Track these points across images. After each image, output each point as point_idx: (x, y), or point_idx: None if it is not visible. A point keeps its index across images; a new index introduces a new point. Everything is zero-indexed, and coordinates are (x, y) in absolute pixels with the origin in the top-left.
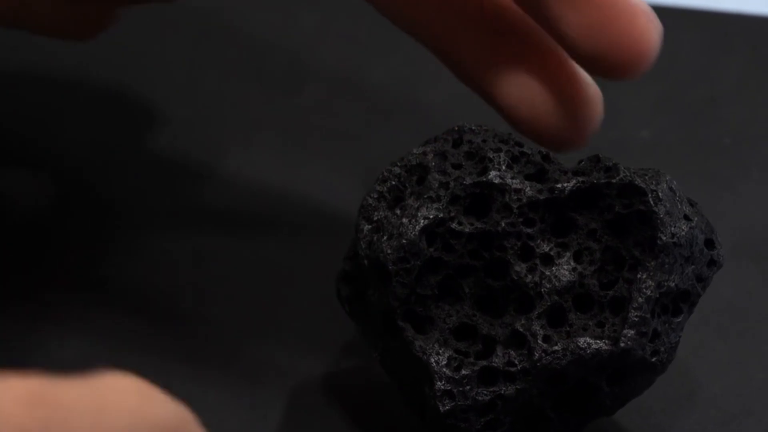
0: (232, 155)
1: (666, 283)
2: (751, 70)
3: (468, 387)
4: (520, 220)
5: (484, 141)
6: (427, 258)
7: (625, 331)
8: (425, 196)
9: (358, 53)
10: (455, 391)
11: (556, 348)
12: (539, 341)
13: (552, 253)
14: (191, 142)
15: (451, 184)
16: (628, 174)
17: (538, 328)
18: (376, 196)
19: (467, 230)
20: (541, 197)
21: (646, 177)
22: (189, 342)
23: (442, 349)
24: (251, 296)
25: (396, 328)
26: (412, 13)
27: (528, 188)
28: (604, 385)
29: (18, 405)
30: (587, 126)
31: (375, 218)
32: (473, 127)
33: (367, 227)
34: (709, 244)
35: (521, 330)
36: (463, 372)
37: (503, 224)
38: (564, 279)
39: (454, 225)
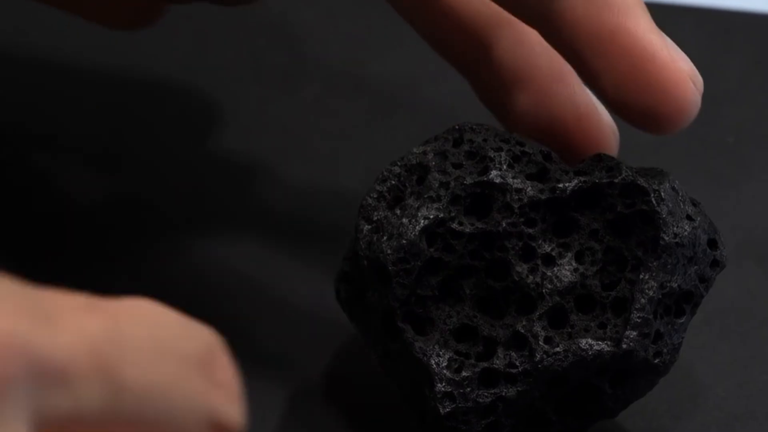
0: (231, 155)
1: (668, 284)
2: (754, 68)
3: (469, 389)
4: (522, 220)
5: (484, 140)
6: (428, 258)
7: (627, 333)
8: (425, 196)
9: (358, 51)
10: (456, 393)
11: (557, 349)
12: (541, 342)
13: (553, 253)
14: (191, 141)
15: (452, 183)
16: (630, 173)
17: (539, 329)
18: (375, 195)
19: (468, 230)
20: (543, 197)
21: (649, 176)
22: None
23: (443, 350)
24: (250, 296)
25: (396, 330)
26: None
27: (529, 188)
28: (606, 387)
29: (78, 310)
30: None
31: (374, 218)
32: (474, 126)
33: (366, 227)
34: (712, 244)
35: (522, 331)
36: (464, 374)
37: (504, 224)
38: (565, 279)
39: (454, 225)
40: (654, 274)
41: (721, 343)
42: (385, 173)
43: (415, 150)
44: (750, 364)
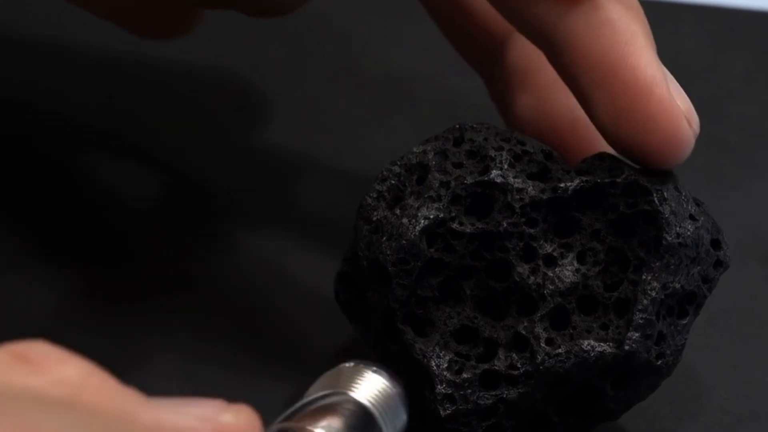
0: (230, 154)
1: (671, 285)
2: (758, 67)
3: (469, 391)
4: (523, 220)
5: (485, 139)
6: (428, 259)
7: (629, 334)
8: (425, 196)
9: (358, 49)
10: (456, 394)
11: (559, 351)
12: (542, 344)
13: (555, 253)
14: (190, 141)
15: (452, 183)
16: (633, 173)
17: (540, 330)
18: (375, 195)
19: (468, 230)
20: (544, 197)
21: (651, 176)
22: (183, 342)
23: (443, 351)
24: (249, 297)
25: (396, 331)
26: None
27: (530, 187)
28: (608, 389)
29: None
30: None
31: (374, 218)
32: (475, 126)
33: (366, 227)
34: (716, 244)
35: (524, 332)
36: (465, 375)
37: (505, 224)
38: (567, 280)
39: (455, 225)
40: (656, 275)
41: (725, 344)
42: (384, 173)
43: (415, 149)
44: (753, 365)
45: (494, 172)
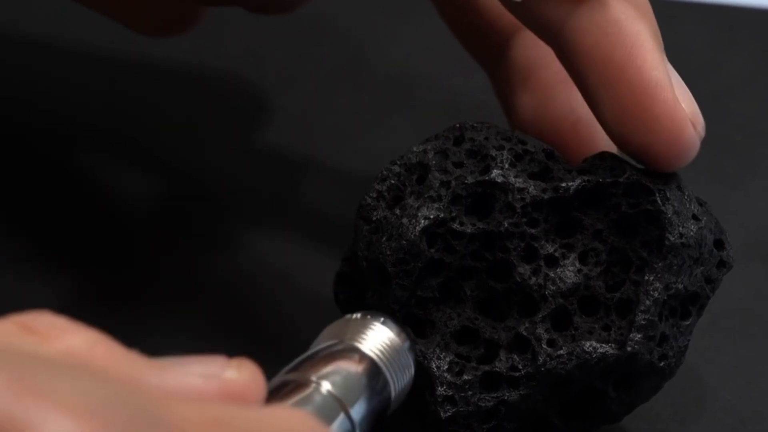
0: (229, 154)
1: (674, 285)
2: (759, 65)
3: (470, 392)
4: (524, 220)
5: (486, 139)
6: (428, 259)
7: (631, 335)
8: (426, 196)
9: (358, 49)
10: (457, 396)
11: (560, 352)
12: (543, 345)
13: (556, 254)
14: (188, 141)
15: (453, 183)
16: (635, 173)
17: (542, 331)
18: (375, 195)
19: (469, 231)
20: (545, 196)
21: (654, 176)
22: (183, 342)
23: (443, 353)
24: (249, 297)
25: None
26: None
27: (531, 187)
28: (610, 391)
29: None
30: None
31: (374, 218)
32: (475, 125)
33: (365, 228)
34: (719, 244)
35: (525, 334)
36: (465, 377)
37: (506, 224)
38: (569, 281)
39: (455, 225)
40: (659, 275)
41: (728, 345)
42: (384, 172)
43: (415, 149)
44: (757, 366)
45: (495, 172)
